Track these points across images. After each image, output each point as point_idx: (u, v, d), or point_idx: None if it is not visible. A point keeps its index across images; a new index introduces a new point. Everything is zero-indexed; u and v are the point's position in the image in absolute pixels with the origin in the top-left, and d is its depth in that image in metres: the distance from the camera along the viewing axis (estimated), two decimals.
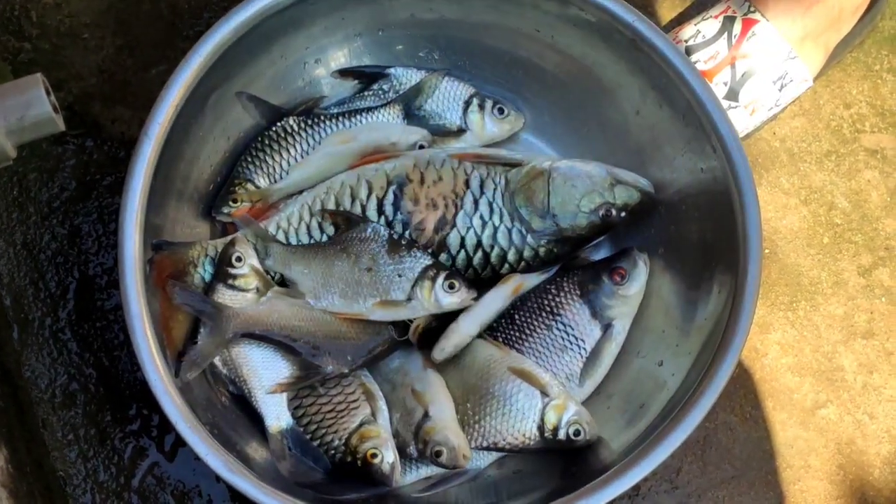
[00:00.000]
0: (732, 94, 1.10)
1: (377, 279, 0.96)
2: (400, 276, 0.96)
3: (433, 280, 0.95)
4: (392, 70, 1.07)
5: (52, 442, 1.02)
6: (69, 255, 1.08)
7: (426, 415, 0.94)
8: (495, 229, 0.99)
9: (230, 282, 0.94)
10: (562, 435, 0.94)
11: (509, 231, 0.99)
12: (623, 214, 0.99)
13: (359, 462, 0.92)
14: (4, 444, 0.91)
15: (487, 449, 0.97)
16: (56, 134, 0.82)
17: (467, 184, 1.00)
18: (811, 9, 1.08)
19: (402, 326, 0.99)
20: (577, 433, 0.93)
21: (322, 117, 1.05)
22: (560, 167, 1.00)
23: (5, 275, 1.06)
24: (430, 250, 0.98)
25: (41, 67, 1.10)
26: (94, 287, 1.07)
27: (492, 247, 0.99)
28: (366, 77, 1.07)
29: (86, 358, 1.05)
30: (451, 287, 0.95)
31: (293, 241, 1.00)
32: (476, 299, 0.98)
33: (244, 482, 0.82)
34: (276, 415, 0.95)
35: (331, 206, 1.00)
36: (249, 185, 1.02)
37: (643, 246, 1.01)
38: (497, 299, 1.00)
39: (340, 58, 1.07)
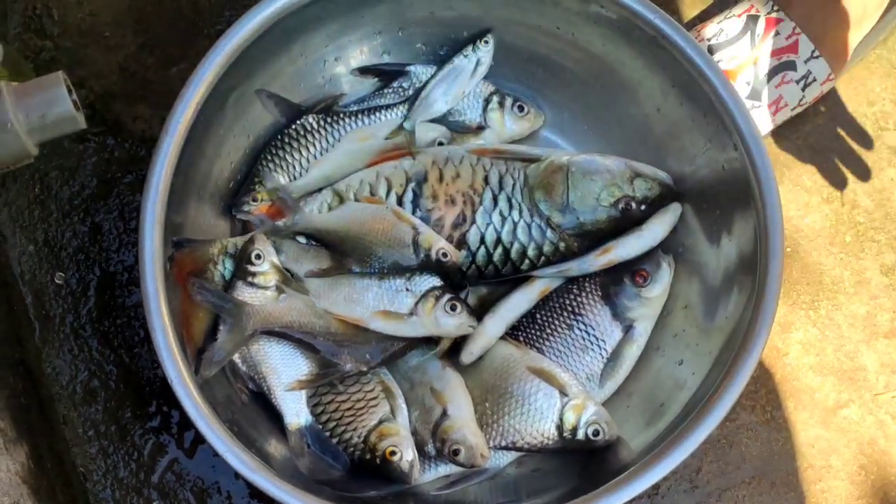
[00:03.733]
0: (755, 94, 1.10)
1: (384, 289, 0.96)
2: (407, 290, 0.96)
3: (437, 299, 0.95)
4: (412, 68, 1.07)
5: (73, 438, 1.03)
6: (90, 252, 1.08)
7: (444, 413, 0.94)
8: (515, 225, 0.99)
9: (250, 279, 0.95)
10: (581, 435, 0.94)
11: (529, 226, 0.99)
12: (643, 208, 0.99)
13: (378, 460, 0.92)
14: (26, 440, 0.92)
15: (506, 448, 0.97)
16: (77, 132, 0.83)
17: (486, 180, 1.00)
18: (836, 6, 1.08)
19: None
20: (595, 433, 0.93)
21: (341, 115, 1.05)
22: (579, 161, 1.00)
23: (27, 272, 1.07)
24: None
25: (63, 66, 1.11)
26: (114, 284, 1.08)
27: (511, 242, 0.99)
28: (385, 75, 1.07)
29: (106, 355, 1.06)
30: (453, 308, 0.95)
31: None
32: (476, 324, 0.98)
33: (263, 479, 0.82)
34: (296, 412, 0.95)
35: None
36: (269, 183, 1.03)
37: (667, 247, 1.01)
38: (523, 301, 1.01)
39: (360, 56, 1.07)
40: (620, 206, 0.99)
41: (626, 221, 0.99)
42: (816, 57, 1.09)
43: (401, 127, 1.05)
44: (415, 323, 0.96)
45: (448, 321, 0.95)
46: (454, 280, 0.99)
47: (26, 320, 1.06)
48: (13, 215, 1.09)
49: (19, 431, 0.92)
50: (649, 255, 1.00)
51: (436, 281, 0.97)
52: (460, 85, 1.05)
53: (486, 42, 1.05)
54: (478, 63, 1.05)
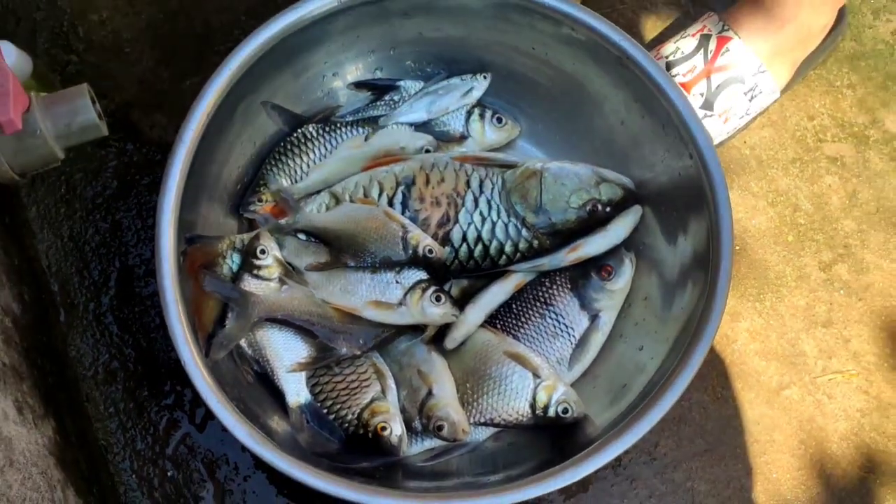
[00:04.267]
0: (707, 104, 1.10)
1: (376, 282, 0.96)
2: (397, 282, 0.96)
3: (423, 291, 0.95)
4: (401, 83, 1.07)
5: (95, 414, 1.03)
6: (111, 246, 1.08)
7: (430, 393, 0.94)
8: (493, 224, 0.99)
9: (255, 272, 0.95)
10: (551, 412, 0.94)
11: (506, 225, 0.99)
12: (608, 209, 0.99)
13: (370, 434, 0.93)
14: (52, 416, 0.92)
15: (484, 424, 0.97)
16: (100, 138, 0.83)
17: (468, 184, 1.00)
18: (782, 28, 1.08)
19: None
20: (565, 411, 0.94)
21: (338, 124, 1.05)
22: (551, 167, 1.00)
23: (53, 264, 1.07)
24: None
25: (87, 78, 1.10)
26: (133, 276, 1.08)
27: (490, 240, 0.99)
28: (378, 89, 1.07)
29: (125, 339, 1.06)
30: (438, 299, 0.95)
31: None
32: (462, 307, 0.98)
33: (267, 451, 0.82)
34: (296, 391, 0.95)
35: None
36: (273, 186, 1.03)
37: (629, 245, 1.01)
38: (500, 293, 1.01)
39: (355, 71, 1.07)
40: (588, 207, 0.99)
41: (592, 221, 0.99)
42: (763, 72, 1.10)
43: (375, 120, 1.05)
44: (403, 312, 0.96)
45: (433, 310, 0.95)
46: (439, 274, 0.99)
47: (53, 308, 1.06)
48: (41, 213, 1.09)
49: (46, 408, 0.92)
50: (613, 252, 1.00)
51: (422, 274, 0.97)
52: (447, 102, 1.05)
53: (486, 77, 1.06)
54: (471, 90, 1.05)
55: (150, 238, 1.08)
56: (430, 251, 0.97)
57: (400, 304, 0.96)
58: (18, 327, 0.93)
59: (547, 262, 1.01)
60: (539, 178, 0.99)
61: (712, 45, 1.11)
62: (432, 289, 0.96)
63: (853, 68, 1.20)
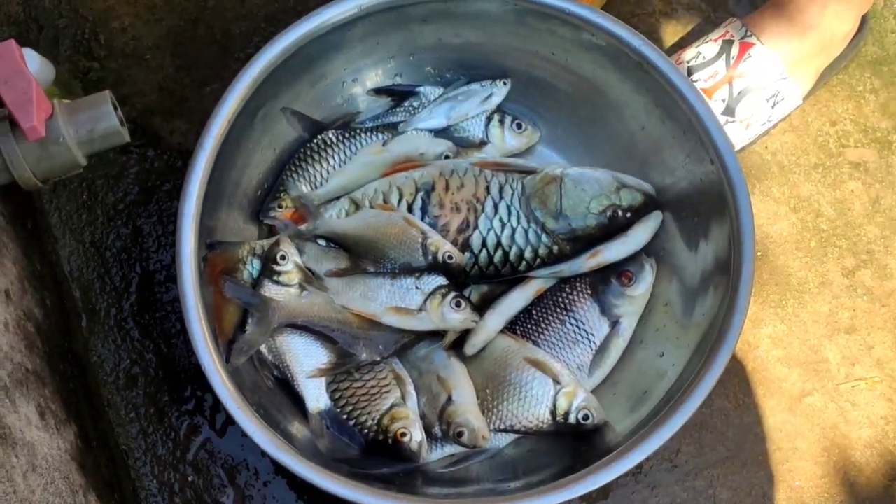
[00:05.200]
0: (729, 111, 1.10)
1: (396, 288, 0.96)
2: (417, 288, 0.96)
3: (443, 297, 0.95)
4: (421, 89, 1.07)
5: (116, 419, 1.03)
6: (132, 252, 1.09)
7: (450, 399, 0.94)
8: (513, 230, 0.99)
9: (275, 277, 0.95)
10: (572, 419, 0.94)
11: (526, 231, 0.99)
12: (629, 215, 0.99)
13: (390, 440, 0.93)
14: (74, 421, 0.93)
15: (504, 431, 0.97)
16: (121, 144, 0.83)
17: (488, 189, 1.00)
18: (805, 34, 1.08)
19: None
20: (585, 417, 0.94)
21: (358, 130, 1.05)
22: (571, 173, 1.00)
23: (75, 269, 1.08)
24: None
25: (108, 85, 1.11)
26: (154, 281, 1.08)
27: (510, 246, 0.99)
28: (397, 95, 1.07)
29: (146, 344, 1.06)
30: (458, 305, 0.95)
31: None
32: (482, 313, 0.98)
33: (287, 457, 0.82)
34: (316, 397, 0.95)
35: None
36: (293, 192, 1.03)
37: (650, 251, 1.01)
38: (520, 299, 1.01)
39: (375, 77, 1.07)
40: (608, 213, 0.99)
41: (613, 227, 0.99)
42: (785, 79, 1.09)
43: (394, 126, 1.05)
44: (423, 318, 0.96)
45: (453, 316, 0.95)
46: (458, 280, 0.99)
47: (75, 313, 1.06)
48: (63, 219, 1.09)
49: (68, 413, 0.92)
50: (634, 258, 1.00)
51: (442, 280, 0.97)
52: (466, 107, 1.05)
53: (505, 83, 1.05)
54: (490, 96, 1.05)
55: (170, 244, 1.09)
56: (450, 257, 0.96)
57: (420, 309, 0.96)
58: (41, 332, 0.93)
59: (567, 268, 1.00)
60: (559, 183, 0.99)
61: (735, 50, 1.10)
62: (452, 294, 0.95)
63: (876, 73, 1.19)
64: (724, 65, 1.10)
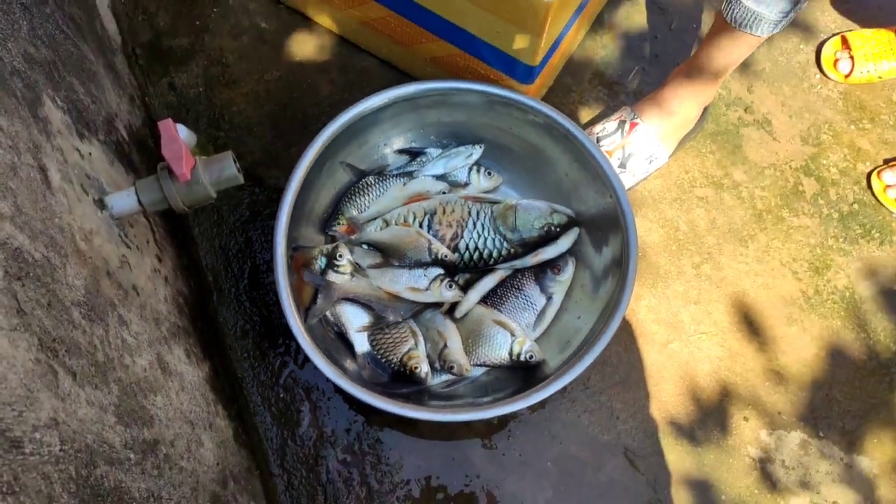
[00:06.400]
0: (622, 165, 1.10)
1: (412, 275, 0.97)
2: (425, 276, 0.96)
3: (441, 281, 0.96)
4: (427, 150, 1.07)
5: (235, 358, 1.03)
6: (245, 253, 1.09)
7: (445, 345, 0.95)
8: (486, 239, 0.99)
9: (335, 268, 0.96)
10: (522, 358, 0.94)
11: (494, 240, 0.99)
12: (558, 229, 0.99)
13: (407, 371, 0.93)
14: (208, 360, 0.93)
15: (479, 366, 0.97)
16: (238, 185, 0.83)
17: (469, 213, 1.00)
18: (671, 117, 1.08)
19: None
20: (530, 357, 0.94)
21: (388, 176, 1.05)
22: (522, 203, 1.00)
23: (209, 263, 1.08)
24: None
25: (230, 146, 1.12)
26: (259, 271, 1.08)
27: (483, 249, 0.99)
28: (412, 153, 1.07)
29: (253, 311, 1.06)
30: (450, 286, 0.95)
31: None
32: (466, 291, 0.98)
33: (342, 381, 0.83)
34: (361, 344, 0.96)
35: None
36: (346, 214, 1.03)
37: (571, 252, 1.01)
38: (490, 282, 1.01)
39: (399, 142, 1.07)
40: (545, 229, 0.99)
41: (548, 237, 0.99)
42: (658, 145, 1.10)
43: (411, 174, 1.05)
44: (428, 294, 0.96)
45: (447, 293, 0.96)
46: (451, 270, 0.99)
47: (208, 292, 1.06)
48: (202, 231, 1.09)
49: (204, 354, 0.92)
50: (561, 257, 1.00)
51: (440, 271, 0.97)
52: (456, 162, 1.05)
53: (480, 146, 1.05)
54: (471, 154, 1.05)
55: (269, 247, 1.09)
56: (446, 256, 0.97)
57: (426, 289, 0.96)
58: (187, 303, 0.94)
59: (519, 263, 1.01)
60: (514, 210, 0.99)
61: (626, 126, 1.10)
62: (447, 280, 0.96)
63: (713, 140, 1.19)
64: (619, 136, 1.10)
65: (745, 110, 1.21)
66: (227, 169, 0.79)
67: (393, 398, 0.84)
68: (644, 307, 1.10)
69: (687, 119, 1.10)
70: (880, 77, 1.20)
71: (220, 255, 1.09)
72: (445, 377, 0.97)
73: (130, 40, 1.16)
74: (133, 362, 0.68)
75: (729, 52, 0.96)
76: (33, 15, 0.75)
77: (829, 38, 1.23)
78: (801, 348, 1.08)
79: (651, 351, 1.07)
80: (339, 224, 1.02)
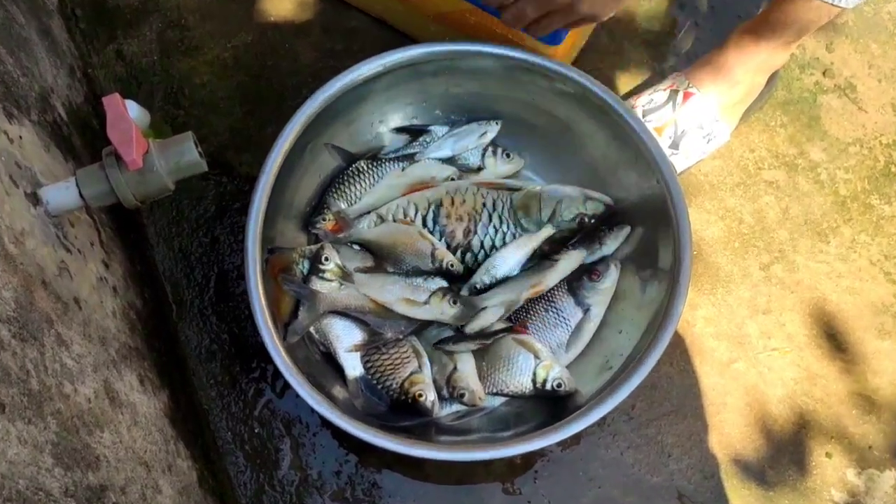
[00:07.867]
0: (675, 145, 1.10)
1: (408, 284, 0.96)
2: (424, 286, 0.96)
3: (444, 295, 0.95)
4: (432, 127, 1.07)
5: (199, 385, 1.04)
6: (210, 256, 1.09)
7: (455, 368, 0.94)
8: (504, 234, 0.99)
9: (320, 275, 0.95)
10: (548, 387, 0.93)
11: (514, 236, 0.99)
12: (593, 221, 0.98)
13: (409, 400, 0.93)
14: (167, 387, 0.93)
15: (496, 394, 0.97)
16: (201, 173, 0.83)
17: (484, 204, 1.00)
18: (733, 88, 1.08)
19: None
20: (559, 385, 0.93)
21: (383, 160, 1.05)
22: (548, 190, 1.00)
23: (167, 269, 1.08)
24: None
25: (191, 127, 1.12)
26: (227, 278, 1.08)
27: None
28: (414, 132, 1.07)
29: (222, 327, 1.06)
30: (453, 303, 0.95)
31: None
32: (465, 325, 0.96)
33: (330, 413, 0.83)
34: (353, 366, 0.95)
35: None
36: (333, 208, 1.03)
37: (615, 254, 1.00)
38: (512, 293, 0.98)
39: (396, 119, 1.07)
40: (577, 220, 0.98)
41: (581, 230, 0.99)
42: (717, 121, 1.09)
43: (411, 156, 1.05)
44: (426, 309, 0.95)
45: (449, 311, 0.94)
46: (457, 282, 0.99)
47: (167, 304, 1.06)
48: (158, 231, 1.10)
49: (162, 381, 0.92)
50: (603, 260, 0.99)
51: (442, 283, 0.97)
52: (467, 142, 1.05)
53: (497, 123, 1.05)
54: (485, 133, 1.05)
55: (240, 249, 1.09)
56: (452, 265, 0.97)
57: (425, 302, 0.95)
58: (140, 318, 0.94)
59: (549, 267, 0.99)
60: (539, 198, 0.99)
61: (679, 98, 1.10)
62: (451, 294, 0.95)
63: (784, 111, 1.18)
64: (671, 109, 1.10)
65: (824, 73, 1.20)
66: (188, 154, 0.79)
67: (392, 433, 0.84)
68: (701, 318, 1.09)
69: (753, 87, 1.09)
70: None
71: (180, 259, 1.09)
72: (456, 407, 0.97)
73: None
74: (75, 391, 0.68)
75: (809, 7, 0.95)
76: None
77: None
78: None
79: (710, 372, 1.06)
80: (324, 220, 1.02)
